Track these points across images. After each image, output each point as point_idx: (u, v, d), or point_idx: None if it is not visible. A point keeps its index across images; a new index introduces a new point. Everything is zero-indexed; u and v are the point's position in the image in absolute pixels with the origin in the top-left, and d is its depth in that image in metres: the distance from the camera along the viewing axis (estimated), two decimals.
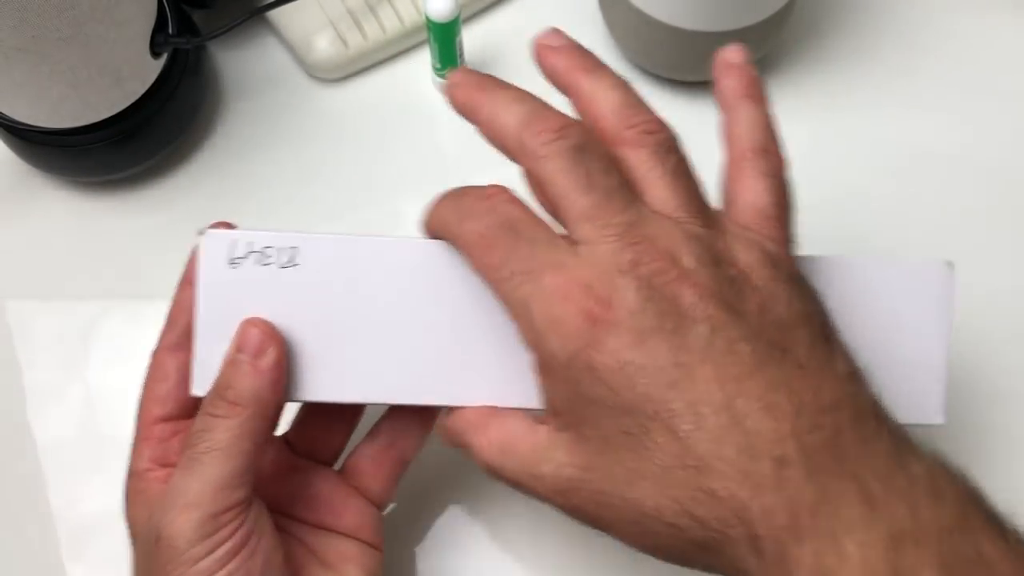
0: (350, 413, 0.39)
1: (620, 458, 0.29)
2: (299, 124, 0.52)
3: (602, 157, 0.31)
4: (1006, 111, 0.52)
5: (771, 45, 0.51)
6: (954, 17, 0.54)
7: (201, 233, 0.33)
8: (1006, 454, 0.45)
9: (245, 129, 0.52)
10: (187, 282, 0.35)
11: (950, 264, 0.33)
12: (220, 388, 0.32)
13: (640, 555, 0.44)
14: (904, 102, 0.52)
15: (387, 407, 0.38)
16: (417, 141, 0.52)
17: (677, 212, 0.30)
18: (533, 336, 0.30)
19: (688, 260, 0.29)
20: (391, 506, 0.40)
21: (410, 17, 0.52)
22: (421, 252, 0.34)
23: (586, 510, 0.30)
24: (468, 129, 0.53)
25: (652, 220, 0.30)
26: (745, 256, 0.30)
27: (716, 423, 0.28)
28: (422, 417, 0.38)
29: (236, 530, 0.32)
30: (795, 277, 0.31)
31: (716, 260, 0.30)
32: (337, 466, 0.39)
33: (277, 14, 0.52)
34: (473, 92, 0.33)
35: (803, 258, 0.33)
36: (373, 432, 0.38)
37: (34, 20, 0.40)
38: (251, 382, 0.32)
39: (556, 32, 0.35)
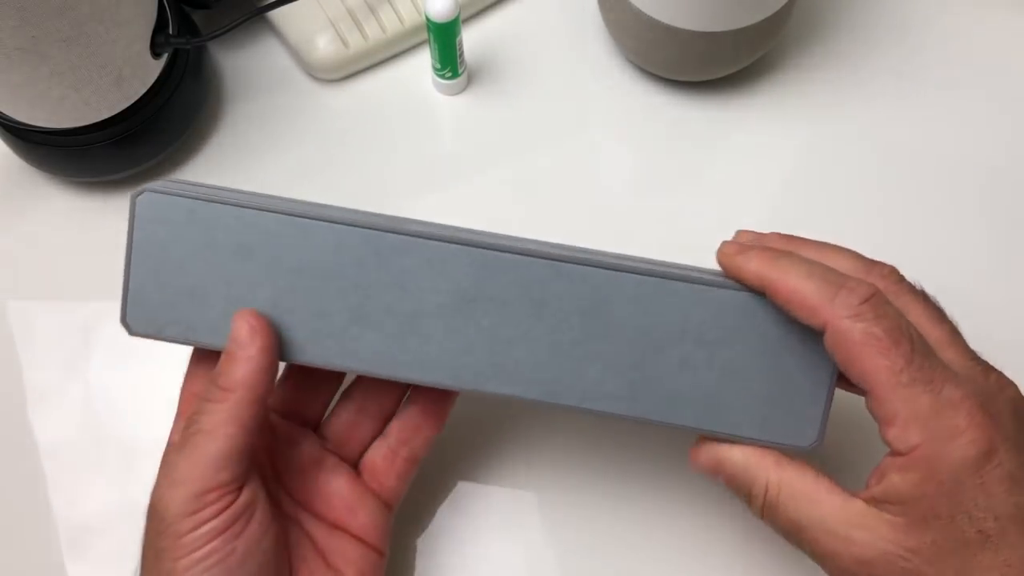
0: (333, 376, 0.41)
1: (963, 555, 0.31)
2: (299, 124, 0.52)
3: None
4: (1005, 111, 0.52)
5: (771, 45, 0.51)
6: (954, 17, 0.54)
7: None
8: None
9: (245, 129, 0.52)
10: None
11: None
12: (215, 375, 0.35)
13: (646, 551, 0.44)
14: (903, 102, 0.52)
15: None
16: (417, 141, 0.52)
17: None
18: (927, 437, 0.31)
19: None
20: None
21: (410, 17, 0.52)
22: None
23: None
24: (467, 130, 0.53)
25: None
26: None
27: None
28: (433, 417, 0.40)
29: (222, 510, 0.34)
30: None
31: None
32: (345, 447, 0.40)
33: (277, 14, 0.52)
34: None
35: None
36: (386, 432, 0.40)
37: (35, 21, 0.40)
38: (240, 368, 0.34)
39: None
